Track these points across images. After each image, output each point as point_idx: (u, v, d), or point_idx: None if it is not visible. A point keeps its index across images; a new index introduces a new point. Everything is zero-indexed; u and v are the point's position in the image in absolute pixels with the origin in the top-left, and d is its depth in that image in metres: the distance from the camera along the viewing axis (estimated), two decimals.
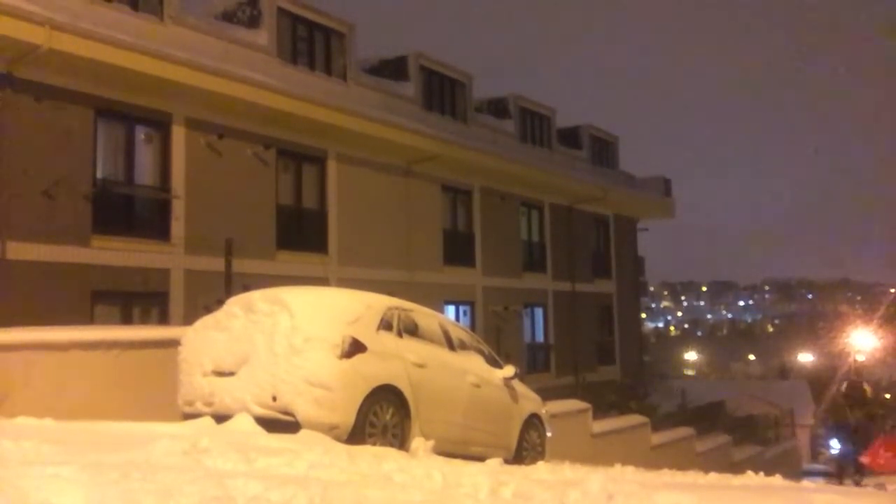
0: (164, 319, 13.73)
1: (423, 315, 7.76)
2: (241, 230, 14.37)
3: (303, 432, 6.10)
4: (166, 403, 7.20)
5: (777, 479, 7.83)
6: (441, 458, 6.14)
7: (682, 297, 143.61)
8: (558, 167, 24.77)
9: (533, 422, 8.77)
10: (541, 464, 8.00)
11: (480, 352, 8.36)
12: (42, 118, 12.34)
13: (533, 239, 24.43)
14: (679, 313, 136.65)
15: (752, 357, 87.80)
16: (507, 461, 7.49)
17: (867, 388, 14.38)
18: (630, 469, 8.40)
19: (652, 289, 78.18)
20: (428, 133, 18.75)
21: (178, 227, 14.14)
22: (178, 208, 14.20)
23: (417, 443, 6.68)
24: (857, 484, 16.59)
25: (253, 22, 16.23)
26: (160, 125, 14.21)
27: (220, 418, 6.41)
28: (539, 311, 24.65)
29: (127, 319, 13.41)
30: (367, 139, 17.37)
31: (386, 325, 7.10)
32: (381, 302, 7.37)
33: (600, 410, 16.46)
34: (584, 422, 14.56)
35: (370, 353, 6.64)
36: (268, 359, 6.42)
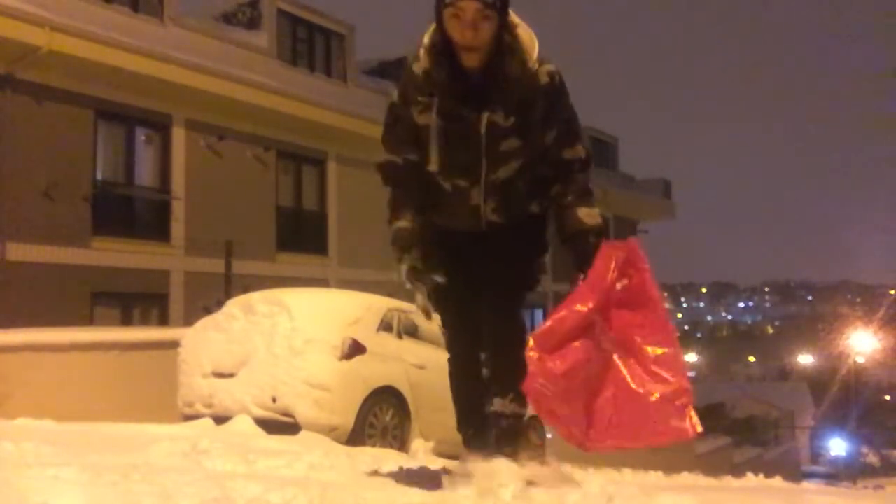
0: (163, 321, 13.73)
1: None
2: (240, 232, 14.36)
3: (302, 434, 6.10)
4: (166, 405, 7.20)
5: (777, 481, 7.83)
6: (441, 460, 6.13)
7: (682, 299, 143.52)
8: None
9: (532, 424, 8.75)
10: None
11: None
12: (42, 119, 12.34)
13: None
14: (679, 315, 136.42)
15: (752, 359, 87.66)
16: None
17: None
18: (629, 471, 8.38)
19: None
20: None
21: (177, 229, 14.14)
22: (178, 210, 14.20)
23: (417, 444, 6.68)
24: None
25: (253, 23, 16.24)
26: (160, 126, 14.22)
27: (220, 420, 6.41)
28: (539, 313, 24.62)
29: (127, 321, 13.41)
30: (367, 141, 17.27)
31: (386, 326, 7.10)
32: (380, 303, 7.37)
33: None
34: None
35: (370, 354, 6.64)
36: (267, 360, 6.42)
